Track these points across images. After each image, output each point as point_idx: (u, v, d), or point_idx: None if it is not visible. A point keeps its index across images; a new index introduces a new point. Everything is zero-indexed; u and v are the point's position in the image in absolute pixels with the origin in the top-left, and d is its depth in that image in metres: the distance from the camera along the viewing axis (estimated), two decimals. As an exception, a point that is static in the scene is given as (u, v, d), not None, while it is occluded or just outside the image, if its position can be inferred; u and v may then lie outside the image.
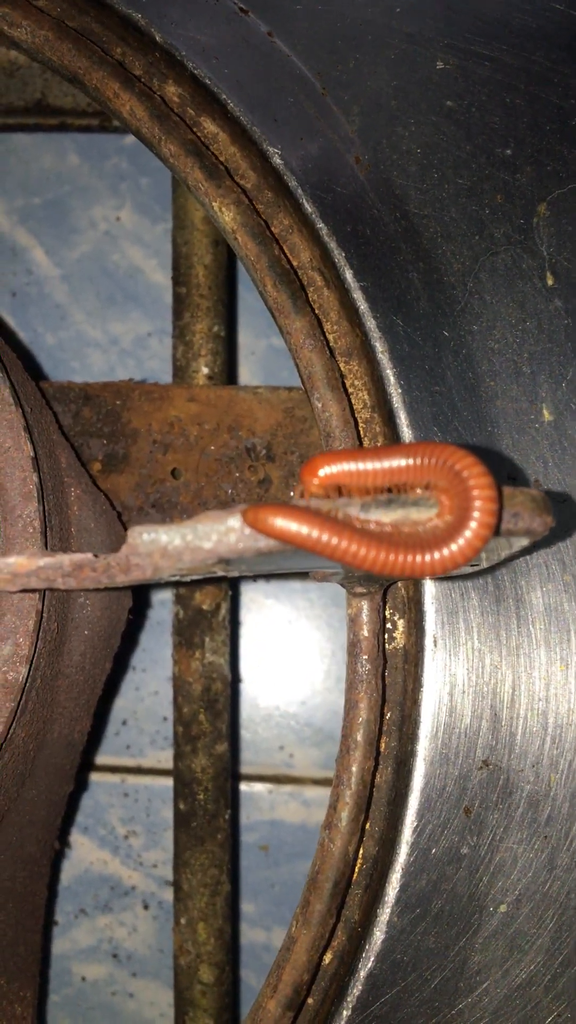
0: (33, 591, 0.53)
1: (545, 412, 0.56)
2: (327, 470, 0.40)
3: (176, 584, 0.77)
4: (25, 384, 0.64)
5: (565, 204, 0.57)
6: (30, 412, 0.60)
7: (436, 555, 0.38)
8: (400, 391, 0.57)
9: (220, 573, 0.44)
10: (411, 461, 0.39)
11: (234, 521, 0.39)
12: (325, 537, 0.38)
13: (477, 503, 0.38)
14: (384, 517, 0.39)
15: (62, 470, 0.64)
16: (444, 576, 0.50)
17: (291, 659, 0.95)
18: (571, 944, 0.54)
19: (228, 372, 0.81)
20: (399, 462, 0.39)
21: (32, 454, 0.57)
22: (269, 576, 0.85)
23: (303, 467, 0.40)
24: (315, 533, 0.38)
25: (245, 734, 0.96)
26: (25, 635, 0.55)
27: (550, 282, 0.57)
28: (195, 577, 0.45)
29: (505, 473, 0.56)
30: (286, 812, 0.96)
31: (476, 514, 0.37)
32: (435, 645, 0.55)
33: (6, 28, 0.57)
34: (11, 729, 0.56)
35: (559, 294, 0.57)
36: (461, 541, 0.38)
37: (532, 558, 0.56)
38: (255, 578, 0.92)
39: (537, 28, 0.59)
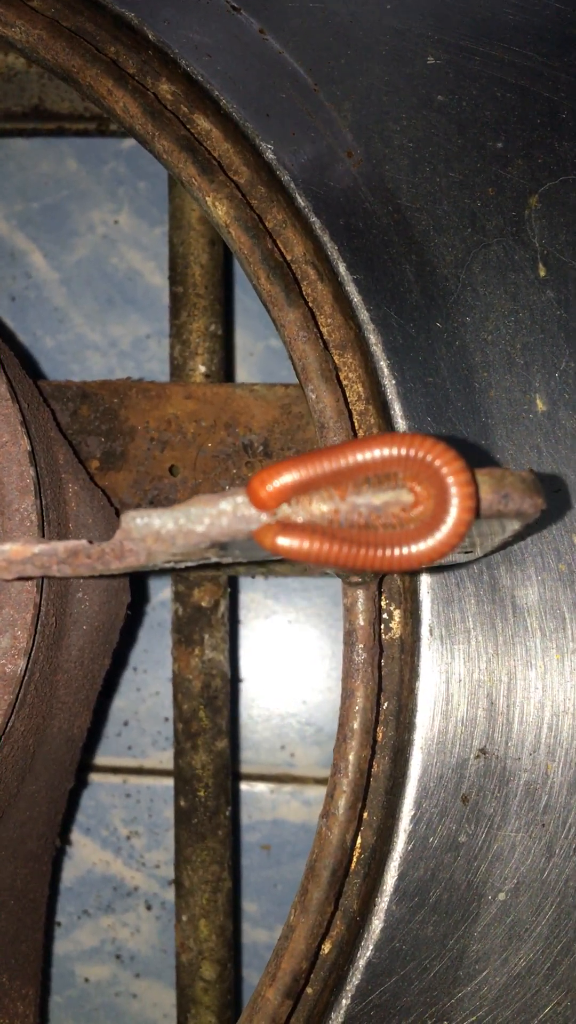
0: (29, 579, 0.54)
1: (539, 402, 0.57)
2: (268, 489, 0.39)
3: (172, 571, 0.78)
4: (22, 381, 0.64)
5: (556, 196, 0.58)
6: (27, 408, 0.61)
7: (427, 544, 0.39)
8: (394, 383, 0.57)
9: (215, 559, 0.45)
10: (367, 456, 0.39)
11: (226, 504, 0.40)
12: (316, 546, 0.38)
13: (453, 488, 0.38)
14: (375, 500, 0.39)
15: (59, 467, 0.65)
16: (438, 565, 0.51)
17: (291, 659, 0.95)
18: (570, 932, 0.54)
19: (225, 371, 0.82)
20: (350, 460, 0.39)
21: (29, 448, 0.57)
22: (267, 574, 0.85)
23: (248, 489, 0.39)
24: (308, 545, 0.38)
25: (246, 734, 0.96)
26: (23, 628, 0.55)
27: (542, 273, 0.57)
28: (190, 564, 0.45)
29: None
30: (288, 812, 0.96)
31: (455, 499, 0.38)
32: (431, 635, 0.55)
33: (0, 28, 0.58)
34: (10, 722, 0.56)
35: (551, 285, 0.57)
36: (446, 527, 0.38)
37: (527, 547, 0.56)
38: (253, 576, 0.93)
39: (527, 23, 0.60)
